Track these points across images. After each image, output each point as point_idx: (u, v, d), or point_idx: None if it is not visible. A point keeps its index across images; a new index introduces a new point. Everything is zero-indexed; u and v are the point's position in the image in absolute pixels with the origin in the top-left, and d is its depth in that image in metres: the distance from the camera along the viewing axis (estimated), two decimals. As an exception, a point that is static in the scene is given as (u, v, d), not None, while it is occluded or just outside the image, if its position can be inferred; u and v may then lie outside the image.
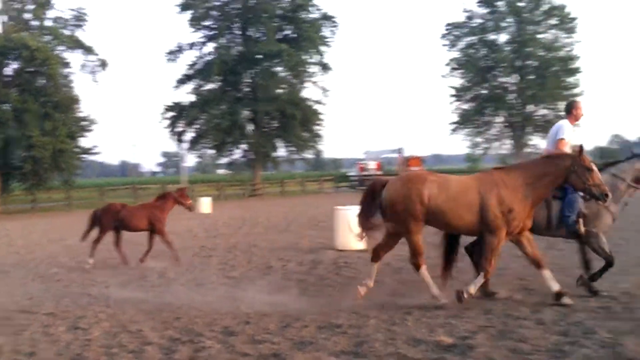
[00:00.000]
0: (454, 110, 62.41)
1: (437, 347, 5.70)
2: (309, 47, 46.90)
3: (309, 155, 50.89)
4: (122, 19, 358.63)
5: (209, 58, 46.83)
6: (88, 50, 43.50)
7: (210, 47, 47.53)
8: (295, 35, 47.09)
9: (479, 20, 60.48)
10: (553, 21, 58.78)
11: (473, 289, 7.36)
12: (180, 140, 48.08)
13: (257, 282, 9.95)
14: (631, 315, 6.55)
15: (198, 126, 47.13)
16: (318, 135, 48.68)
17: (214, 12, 46.74)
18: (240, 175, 52.28)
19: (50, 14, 42.79)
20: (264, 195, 45.69)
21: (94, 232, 12.79)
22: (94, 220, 12.79)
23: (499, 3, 58.81)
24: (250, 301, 8.39)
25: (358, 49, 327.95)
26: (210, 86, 47.37)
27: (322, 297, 8.62)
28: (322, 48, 47.81)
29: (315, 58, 48.15)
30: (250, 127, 47.50)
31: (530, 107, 59.64)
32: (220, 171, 73.60)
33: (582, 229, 7.66)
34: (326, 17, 48.24)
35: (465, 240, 8.22)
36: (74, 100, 41.57)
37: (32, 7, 41.44)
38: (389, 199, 7.60)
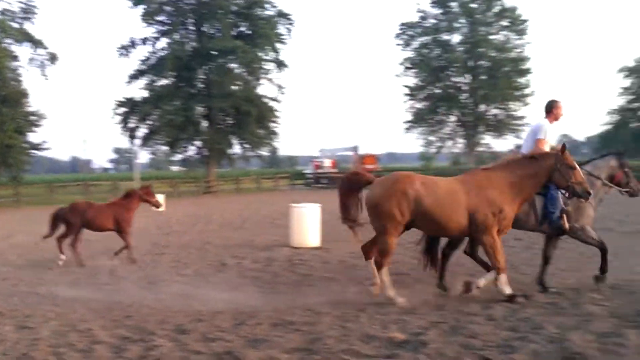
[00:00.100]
0: (408, 109, 63.32)
1: (390, 344, 5.73)
2: (265, 44, 46.59)
3: (264, 152, 50.57)
4: (73, 13, 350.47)
5: (162, 53, 46.10)
6: (37, 43, 42.31)
7: (163, 42, 46.70)
8: (250, 32, 46.71)
9: (433, 21, 61.38)
10: (504, 23, 60.07)
11: (482, 283, 7.47)
12: (132, 137, 47.13)
13: (210, 279, 9.88)
14: (578, 310, 6.71)
15: (151, 122, 46.26)
16: (273, 133, 48.45)
17: (168, 8, 45.99)
18: (194, 172, 51.69)
19: (-2, 6, 41.51)
20: (219, 193, 45.30)
21: (58, 230, 12.39)
22: (57, 219, 12.43)
23: (452, 4, 59.80)
24: (203, 299, 8.32)
25: (314, 47, 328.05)
26: (163, 82, 46.58)
27: (277, 294, 8.61)
28: (278, 45, 47.58)
29: (271, 55, 47.88)
30: (204, 124, 46.96)
31: (482, 107, 60.82)
32: (174, 168, 72.62)
33: (566, 224, 7.82)
34: (282, 15, 48.02)
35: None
36: (23, 95, 40.38)
37: (-22, -1, 40.14)
38: (375, 198, 7.52)
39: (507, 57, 58.90)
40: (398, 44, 62.88)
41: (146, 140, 47.12)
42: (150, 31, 46.63)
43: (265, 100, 47.68)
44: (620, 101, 61.82)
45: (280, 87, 48.42)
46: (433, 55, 61.39)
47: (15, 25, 41.59)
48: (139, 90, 47.05)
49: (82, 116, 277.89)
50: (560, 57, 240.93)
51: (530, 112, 65.22)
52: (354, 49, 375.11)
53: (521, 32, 59.93)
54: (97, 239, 13.04)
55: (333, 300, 7.80)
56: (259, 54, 46.89)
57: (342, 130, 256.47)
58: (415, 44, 62.32)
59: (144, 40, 46.70)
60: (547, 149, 8.03)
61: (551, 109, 8.37)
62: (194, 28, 46.93)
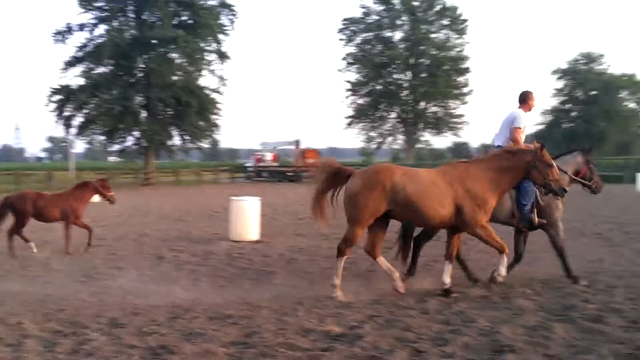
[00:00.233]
0: (349, 104, 63.83)
1: (327, 337, 5.79)
2: (207, 35, 46.01)
3: (204, 144, 50.03)
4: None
5: (100, 40, 44.83)
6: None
7: (102, 29, 45.37)
8: (192, 21, 45.99)
9: (375, 17, 62.01)
10: (445, 22, 61.26)
11: (503, 270, 7.62)
12: (68, 126, 45.69)
13: (147, 272, 9.73)
14: (508, 304, 6.95)
15: (88, 111, 44.92)
16: (215, 125, 47.94)
17: (107, -7, 44.81)
18: (132, 164, 50.64)
19: None
20: (158, 185, 44.49)
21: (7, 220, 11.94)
22: (4, 207, 11.95)
23: (394, 1, 60.46)
24: (139, 292, 8.20)
25: (256, 39, 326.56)
26: (101, 70, 45.33)
27: (214, 288, 8.56)
28: (220, 36, 47.10)
29: (213, 46, 47.36)
30: (143, 114, 45.99)
31: (422, 104, 61.90)
32: (111, 159, 70.98)
33: (536, 219, 8.01)
34: (224, 5, 47.53)
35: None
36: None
37: None
38: (355, 188, 7.51)
39: (447, 55, 60.15)
40: (341, 39, 63.35)
41: (82, 129, 45.78)
42: (88, 17, 45.30)
43: (207, 91, 47.12)
44: (554, 102, 64.17)
45: (222, 78, 47.97)
46: (375, 51, 62.09)
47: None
48: (75, 78, 45.47)
49: (14, 103, 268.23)
50: (497, 58, 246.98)
51: (469, 111, 66.94)
52: (297, 43, 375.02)
53: (461, 32, 61.31)
54: (30, 229, 12.60)
55: (271, 294, 7.82)
56: (201, 44, 46.35)
57: (283, 124, 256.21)
58: (358, 39, 62.89)
59: (82, 27, 45.28)
60: (523, 138, 8.25)
61: (525, 99, 8.50)
62: (133, 15, 45.85)
